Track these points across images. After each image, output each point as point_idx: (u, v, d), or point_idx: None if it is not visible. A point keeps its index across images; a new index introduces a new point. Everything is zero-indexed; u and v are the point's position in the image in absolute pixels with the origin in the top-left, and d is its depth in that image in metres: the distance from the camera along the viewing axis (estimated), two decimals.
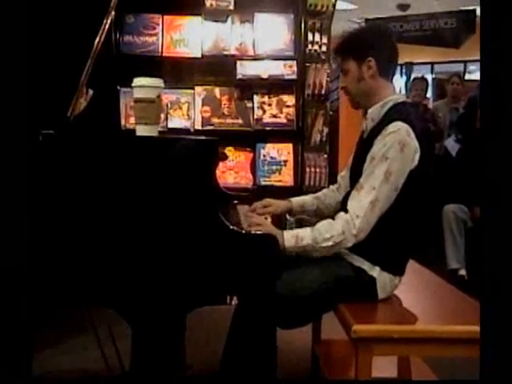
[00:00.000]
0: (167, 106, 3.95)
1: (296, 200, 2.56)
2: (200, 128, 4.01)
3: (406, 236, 2.20)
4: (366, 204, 2.04)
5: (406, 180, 2.09)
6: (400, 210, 2.10)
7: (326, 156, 3.99)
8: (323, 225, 2.09)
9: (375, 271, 2.15)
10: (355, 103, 2.33)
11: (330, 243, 2.04)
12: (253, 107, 4.06)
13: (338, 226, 2.04)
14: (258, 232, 2.00)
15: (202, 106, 4.04)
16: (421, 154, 2.10)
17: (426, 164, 2.12)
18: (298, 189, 3.91)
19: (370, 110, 2.24)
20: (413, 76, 8.73)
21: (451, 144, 5.59)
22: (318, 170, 3.96)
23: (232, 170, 4.06)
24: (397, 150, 2.05)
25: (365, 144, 2.21)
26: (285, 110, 4.05)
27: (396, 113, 2.17)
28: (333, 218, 2.10)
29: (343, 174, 2.51)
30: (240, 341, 2.07)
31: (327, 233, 2.04)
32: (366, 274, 2.15)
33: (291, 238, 2.07)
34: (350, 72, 2.25)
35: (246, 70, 3.98)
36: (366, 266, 2.16)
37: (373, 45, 2.23)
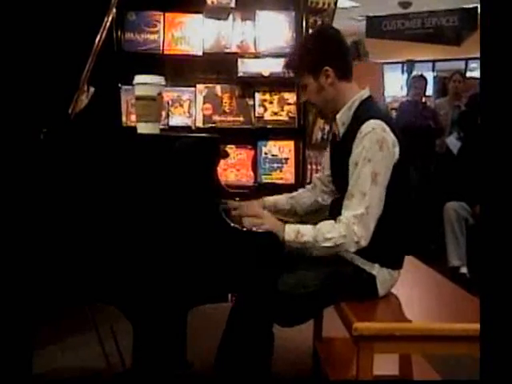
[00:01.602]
0: (168, 103, 3.94)
1: (269, 199, 2.53)
2: (201, 126, 4.00)
3: (400, 229, 2.19)
4: (361, 211, 2.02)
5: (392, 175, 2.08)
6: (391, 205, 2.09)
7: None
8: (325, 225, 2.07)
9: (374, 269, 2.15)
10: (323, 114, 2.33)
11: (330, 244, 2.03)
12: (254, 105, 4.05)
13: (340, 229, 2.02)
14: (259, 230, 2.00)
15: (204, 103, 4.04)
16: (399, 146, 2.09)
17: (406, 155, 2.12)
18: (300, 186, 3.88)
19: (338, 116, 2.21)
20: (412, 74, 8.73)
21: (453, 142, 5.59)
22: (319, 167, 3.95)
23: (233, 168, 4.05)
24: (376, 150, 2.04)
25: (341, 148, 2.19)
26: (286, 107, 4.04)
27: (366, 111, 2.16)
28: (334, 220, 2.08)
29: (319, 176, 2.51)
30: (237, 339, 2.06)
31: (329, 233, 2.03)
32: (365, 272, 2.15)
33: (292, 232, 2.06)
34: (309, 86, 2.21)
35: (247, 67, 3.97)
36: (364, 264, 2.16)
37: (325, 53, 2.18)
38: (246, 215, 2.17)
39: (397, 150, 2.09)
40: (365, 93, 2.24)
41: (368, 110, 2.17)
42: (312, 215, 2.47)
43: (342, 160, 2.14)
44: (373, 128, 2.05)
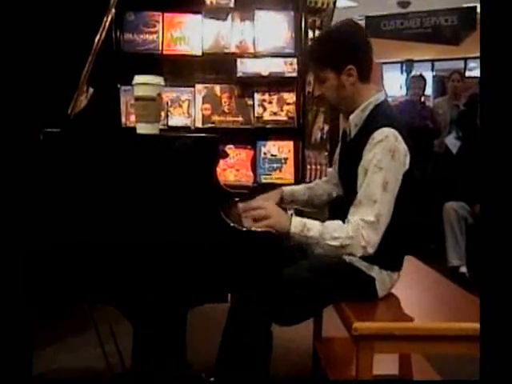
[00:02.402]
0: (168, 103, 3.95)
1: (287, 188, 2.53)
2: (200, 126, 4.01)
3: (400, 232, 2.18)
4: (371, 218, 1.99)
5: (400, 183, 2.06)
6: (393, 210, 2.07)
7: (326, 153, 3.99)
8: (333, 223, 2.04)
9: (374, 271, 2.15)
10: (335, 107, 2.33)
11: (336, 243, 2.00)
12: (253, 105, 4.06)
13: (348, 230, 2.00)
14: (259, 230, 2.00)
15: (203, 103, 4.04)
16: (410, 154, 2.08)
17: (414, 162, 2.10)
18: None
19: (351, 117, 2.19)
20: (411, 74, 8.74)
21: (452, 141, 5.59)
22: (318, 167, 3.96)
23: (233, 168, 4.06)
24: (388, 159, 2.01)
25: (351, 149, 2.18)
26: (285, 107, 4.04)
27: (379, 116, 2.13)
28: (343, 221, 2.05)
29: (331, 170, 2.50)
30: (236, 338, 2.06)
31: (336, 232, 2.00)
32: (365, 274, 2.15)
33: (298, 224, 2.03)
34: (329, 81, 2.16)
35: (246, 67, 3.98)
36: (364, 266, 2.15)
37: (352, 52, 2.13)
38: (252, 208, 2.16)
39: (407, 159, 2.07)
40: (380, 96, 2.20)
41: (382, 115, 2.13)
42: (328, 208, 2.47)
43: (350, 161, 2.13)
44: (386, 136, 2.02)
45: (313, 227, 2.03)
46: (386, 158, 2.01)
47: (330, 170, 2.56)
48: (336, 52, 2.14)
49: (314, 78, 2.33)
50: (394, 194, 2.05)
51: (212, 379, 2.16)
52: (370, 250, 2.01)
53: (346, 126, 2.28)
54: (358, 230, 1.99)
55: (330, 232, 2.00)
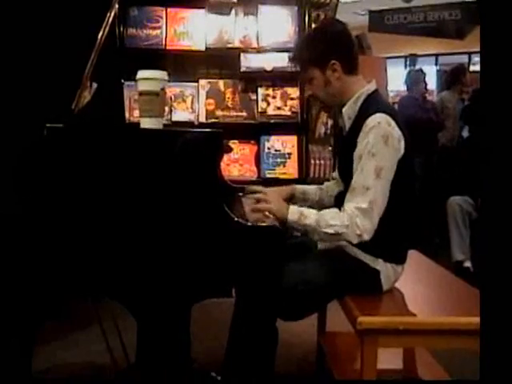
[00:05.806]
0: (171, 98, 3.95)
1: (298, 186, 2.55)
2: (204, 121, 4.01)
3: (403, 224, 2.18)
4: (364, 205, 2.00)
5: (397, 170, 2.06)
6: (394, 201, 2.07)
7: (330, 148, 3.99)
8: (329, 212, 2.07)
9: (378, 264, 2.15)
10: (327, 106, 2.32)
11: (331, 231, 2.01)
12: (257, 100, 4.07)
13: (343, 218, 2.01)
14: (263, 224, 2.00)
15: (206, 98, 4.05)
16: (405, 140, 2.08)
17: (411, 149, 2.10)
18: (303, 181, 3.90)
19: (344, 109, 2.20)
20: (413, 68, 8.70)
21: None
22: (322, 162, 3.96)
23: (236, 163, 4.06)
24: (382, 144, 2.02)
25: (347, 142, 2.18)
26: (289, 102, 4.05)
27: (372, 105, 2.14)
28: (339, 209, 2.07)
29: (336, 173, 2.50)
30: (242, 335, 2.06)
31: (332, 220, 2.02)
32: (369, 267, 2.15)
33: (295, 212, 2.06)
34: (315, 79, 2.20)
35: (250, 62, 3.98)
36: (368, 259, 2.15)
37: (332, 47, 2.16)
38: (253, 197, 2.19)
39: (402, 144, 2.07)
40: (371, 86, 2.22)
41: (374, 103, 2.15)
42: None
43: (348, 154, 2.13)
44: (378, 122, 2.03)
45: (309, 215, 2.06)
46: (379, 144, 2.02)
47: (334, 174, 2.56)
48: (316, 50, 2.18)
49: (302, 79, 2.34)
50: (388, 180, 2.05)
51: (212, 374, 2.17)
52: (366, 237, 2.02)
53: (340, 121, 2.29)
54: (353, 218, 2.00)
55: (325, 220, 2.03)
